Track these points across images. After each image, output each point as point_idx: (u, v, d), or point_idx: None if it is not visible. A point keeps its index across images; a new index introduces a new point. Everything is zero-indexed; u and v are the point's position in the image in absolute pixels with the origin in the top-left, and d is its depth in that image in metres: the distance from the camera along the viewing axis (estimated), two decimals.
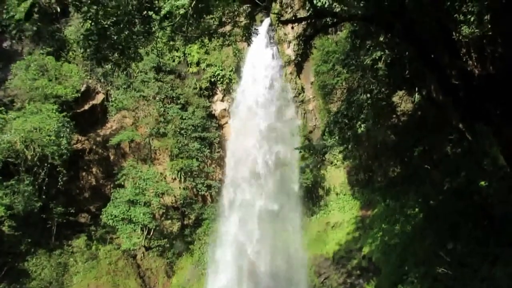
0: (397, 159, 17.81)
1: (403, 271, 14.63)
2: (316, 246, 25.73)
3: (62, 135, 24.41)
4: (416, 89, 13.39)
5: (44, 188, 24.64)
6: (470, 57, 9.76)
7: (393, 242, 19.30)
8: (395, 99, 15.66)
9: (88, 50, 8.33)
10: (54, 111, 24.57)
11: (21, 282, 22.49)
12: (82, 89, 29.36)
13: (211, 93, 32.34)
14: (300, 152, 25.26)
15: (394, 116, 15.59)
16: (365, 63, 12.10)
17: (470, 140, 11.45)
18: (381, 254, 19.98)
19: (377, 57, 11.43)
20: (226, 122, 32.20)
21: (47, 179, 24.63)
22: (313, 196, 28.88)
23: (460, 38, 9.79)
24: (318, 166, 28.81)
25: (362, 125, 14.78)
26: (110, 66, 10.75)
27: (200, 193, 30.43)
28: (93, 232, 27.98)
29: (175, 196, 29.54)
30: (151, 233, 27.91)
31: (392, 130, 15.35)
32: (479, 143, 11.07)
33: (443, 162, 13.10)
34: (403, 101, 15.65)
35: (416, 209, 18.52)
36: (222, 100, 32.27)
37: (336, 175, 28.87)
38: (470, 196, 11.28)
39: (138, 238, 26.50)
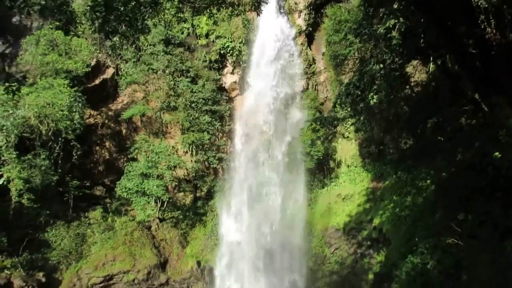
0: (410, 132, 17.60)
1: (413, 242, 14.68)
2: (326, 218, 25.97)
3: (74, 109, 24.66)
4: (431, 59, 13.00)
5: (59, 162, 25.16)
6: (488, 25, 9.33)
7: (403, 214, 19.32)
8: (409, 69, 15.25)
9: (95, 22, 8.23)
10: (65, 86, 24.70)
11: (42, 252, 23.40)
12: (92, 63, 29.39)
13: (220, 66, 31.98)
14: (311, 124, 25.12)
15: (408, 87, 15.27)
16: (378, 32, 11.70)
17: (485, 112, 11.19)
18: (392, 226, 20.07)
19: (390, 26, 11.02)
20: (237, 95, 32.00)
21: (62, 153, 25.11)
22: (324, 168, 28.89)
23: (479, 4, 9.34)
24: (329, 138, 28.69)
25: (375, 97, 14.54)
26: (118, 39, 10.66)
27: (211, 166, 30.69)
28: (108, 204, 28.73)
29: (187, 169, 29.90)
30: (165, 205, 28.50)
31: (405, 101, 15.09)
32: (495, 114, 10.80)
33: (457, 134, 12.87)
34: (417, 72, 15.27)
35: (428, 182, 18.42)
36: (232, 73, 31.93)
37: (347, 148, 28.74)
38: (484, 168, 11.11)
39: (152, 210, 27.10)
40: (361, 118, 16.17)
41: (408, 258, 13.00)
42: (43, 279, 21.77)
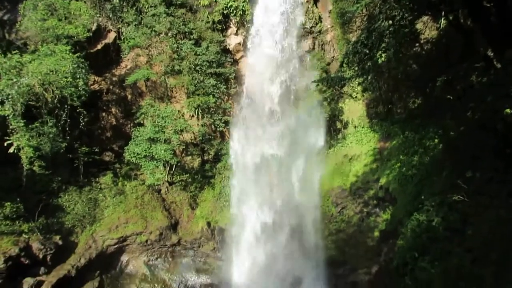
0: (418, 91, 17.28)
1: (419, 201, 14.79)
2: (333, 178, 26.19)
3: (78, 76, 24.50)
4: (442, 14, 12.47)
5: (67, 129, 25.35)
6: None
7: (410, 173, 19.39)
8: (419, 26, 14.70)
9: None
10: (67, 52, 24.39)
11: (57, 216, 24.15)
12: (93, 28, 28.81)
13: (224, 27, 31.15)
14: (318, 85, 24.75)
15: (417, 44, 14.81)
16: None
17: (497, 68, 10.89)
18: (398, 185, 20.21)
19: None
20: (241, 57, 31.40)
21: (69, 120, 25.25)
22: (331, 129, 28.79)
23: None
24: (336, 99, 28.37)
25: (383, 55, 14.13)
26: (118, 1, 10.35)
27: (218, 129, 30.75)
28: (118, 169, 29.22)
29: (194, 133, 30.02)
30: (173, 169, 28.90)
31: (414, 59, 14.68)
32: (507, 71, 10.51)
33: (467, 92, 12.61)
34: (427, 28, 14.72)
35: (436, 141, 18.33)
36: (236, 34, 31.14)
37: (354, 108, 28.46)
38: (493, 125, 10.96)
39: (161, 173, 27.53)
40: (369, 77, 15.81)
41: (414, 216, 13.19)
42: (60, 242, 22.61)
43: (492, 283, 5.37)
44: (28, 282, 20.40)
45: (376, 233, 21.81)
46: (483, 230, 8.41)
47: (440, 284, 8.28)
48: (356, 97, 24.29)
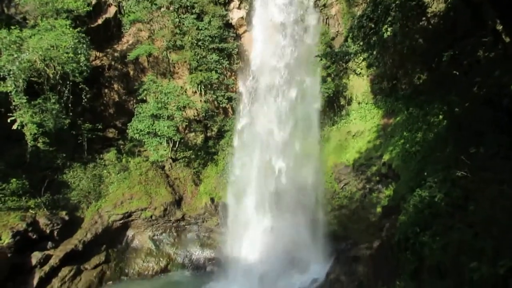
0: (424, 66, 16.97)
1: (422, 177, 14.80)
2: (336, 155, 26.25)
3: (79, 51, 24.28)
4: None
5: (70, 105, 25.36)
6: None
7: (413, 149, 19.36)
8: None
9: None
10: (68, 27, 24.08)
11: (63, 192, 24.46)
12: (93, 1, 28.34)
13: (227, 0, 30.55)
14: (321, 60, 24.36)
15: (424, 18, 14.42)
16: None
17: (506, 43, 10.65)
18: (401, 161, 20.24)
19: None
20: (244, 32, 30.89)
21: (71, 97, 25.23)
22: (334, 106, 28.63)
23: None
24: (340, 74, 28.04)
25: (389, 29, 13.83)
26: None
27: (221, 105, 30.65)
28: (121, 146, 29.37)
29: (196, 109, 29.94)
30: (177, 145, 29.00)
31: (421, 34, 14.34)
32: None
33: (474, 67, 12.39)
34: (435, 1, 14.32)
35: (440, 117, 18.20)
36: (239, 8, 30.56)
37: (358, 84, 28.18)
38: (499, 101, 10.81)
39: (165, 150, 27.67)
40: (374, 52, 15.52)
41: (416, 192, 13.23)
42: (66, 217, 22.98)
43: (492, 256, 5.43)
44: (36, 256, 20.86)
45: (378, 209, 22.00)
46: (485, 205, 8.43)
47: (441, 258, 8.39)
48: (360, 73, 23.89)
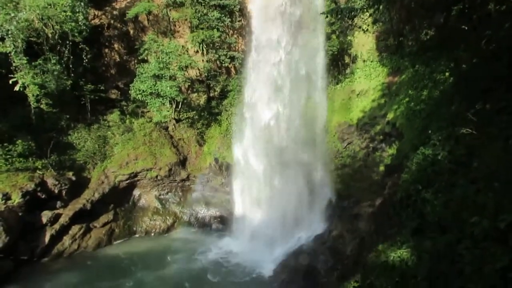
0: (432, 21, 16.42)
1: (426, 135, 14.75)
2: (340, 114, 26.10)
3: (77, 10, 23.68)
4: None
5: (71, 66, 25.05)
6: None
7: (418, 108, 19.16)
8: None
9: None
10: None
11: (69, 153, 24.73)
12: None
13: None
14: (326, 17, 23.60)
15: None
16: None
17: None
18: (405, 120, 20.11)
19: None
20: None
21: (72, 57, 24.87)
22: (338, 64, 28.09)
23: None
24: (345, 31, 27.29)
25: None
26: None
27: (223, 65, 30.17)
28: (125, 107, 29.29)
29: (199, 69, 29.53)
30: (180, 106, 28.89)
31: None
32: None
33: (483, 22, 11.96)
34: None
35: (447, 74, 17.85)
36: None
37: (364, 41, 27.48)
38: (508, 55, 10.52)
39: (168, 111, 27.60)
40: (380, 7, 15.01)
41: (420, 150, 13.25)
42: (73, 178, 23.40)
43: (494, 211, 5.51)
44: (46, 215, 21.47)
45: (381, 168, 22.16)
46: (489, 161, 8.44)
47: (442, 214, 8.53)
48: (366, 29, 23.24)
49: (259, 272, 19.43)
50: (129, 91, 27.45)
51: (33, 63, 22.64)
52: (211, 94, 31.40)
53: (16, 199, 20.24)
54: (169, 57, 26.30)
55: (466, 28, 13.04)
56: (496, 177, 6.91)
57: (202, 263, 20.80)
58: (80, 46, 25.15)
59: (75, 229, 22.25)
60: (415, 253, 8.41)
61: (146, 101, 26.93)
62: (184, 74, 27.12)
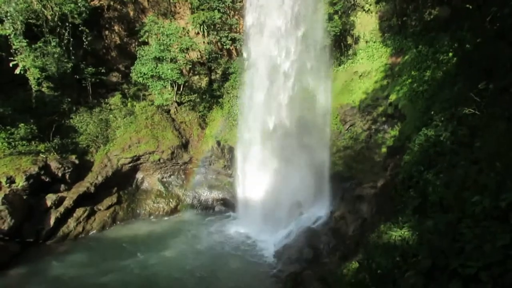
0: (435, 0, 16.20)
1: (428, 116, 14.69)
2: (342, 96, 25.95)
3: None
4: None
5: (71, 49, 24.86)
6: None
7: (421, 89, 19.03)
8: None
9: None
10: None
11: (71, 137, 24.80)
12: None
13: None
14: None
15: None
16: None
17: None
18: (408, 101, 20.00)
19: None
20: None
21: (72, 40, 24.64)
22: (341, 45, 27.78)
23: None
24: (348, 12, 26.88)
25: None
26: None
27: (225, 47, 29.88)
28: (126, 90, 29.20)
29: (200, 51, 29.28)
30: (181, 89, 28.78)
31: None
32: None
33: (488, 0, 11.76)
34: None
35: (450, 54, 17.67)
36: None
37: (366, 22, 27.10)
38: None
39: (169, 94, 27.50)
40: None
41: (422, 131, 13.22)
42: (77, 161, 23.53)
43: (496, 191, 5.53)
44: (50, 198, 21.68)
45: (384, 149, 22.15)
46: (492, 141, 8.42)
47: (444, 194, 8.58)
48: (368, 9, 22.93)
49: (262, 252, 19.70)
50: (130, 74, 27.31)
51: (33, 46, 22.48)
52: (213, 77, 31.22)
53: (20, 182, 20.41)
54: (170, 39, 26.06)
55: (471, 7, 12.82)
56: (498, 157, 6.91)
57: (205, 244, 21.08)
58: (80, 28, 24.91)
59: (79, 212, 22.50)
60: (416, 232, 8.48)
61: (148, 84, 26.82)
62: (185, 56, 26.91)
